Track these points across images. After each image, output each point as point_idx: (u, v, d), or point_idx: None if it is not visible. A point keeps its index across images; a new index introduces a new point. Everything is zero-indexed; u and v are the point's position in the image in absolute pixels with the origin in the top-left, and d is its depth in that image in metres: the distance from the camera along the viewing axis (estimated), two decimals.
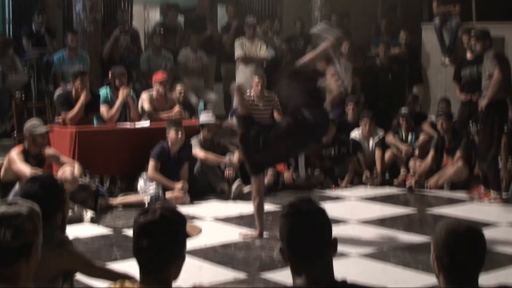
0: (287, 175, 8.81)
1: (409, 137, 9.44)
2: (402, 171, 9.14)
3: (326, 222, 2.53)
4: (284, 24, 13.48)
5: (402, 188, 8.86)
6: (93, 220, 7.04)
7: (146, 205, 7.32)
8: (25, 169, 6.84)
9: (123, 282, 2.63)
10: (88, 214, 7.06)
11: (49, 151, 7.28)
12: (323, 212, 2.54)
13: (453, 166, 8.79)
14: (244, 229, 6.81)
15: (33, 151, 7.00)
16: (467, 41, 9.63)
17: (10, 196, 6.81)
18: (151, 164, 7.92)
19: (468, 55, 9.59)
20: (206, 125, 8.44)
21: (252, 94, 9.77)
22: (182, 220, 2.66)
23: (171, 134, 7.99)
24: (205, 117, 8.61)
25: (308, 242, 2.46)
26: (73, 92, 8.28)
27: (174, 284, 2.64)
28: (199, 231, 2.79)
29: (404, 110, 9.65)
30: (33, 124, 7.12)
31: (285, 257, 2.51)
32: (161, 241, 2.57)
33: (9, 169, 7.02)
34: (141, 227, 2.58)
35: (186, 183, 8.01)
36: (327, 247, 2.50)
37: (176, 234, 2.62)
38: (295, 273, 2.49)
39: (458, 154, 8.80)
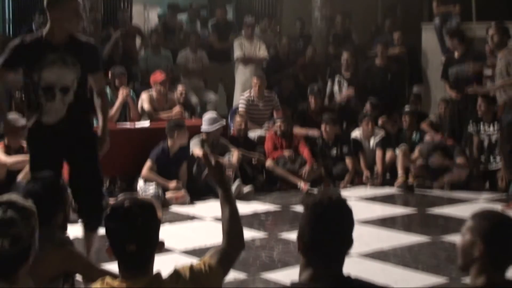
0: (289, 153, 8.84)
1: (413, 136, 9.42)
2: (400, 173, 9.03)
3: (350, 223, 2.53)
4: (284, 24, 13.50)
5: (402, 188, 8.82)
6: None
7: None
8: (6, 159, 6.85)
9: (104, 278, 2.63)
10: None
11: None
12: (349, 212, 2.54)
13: (452, 168, 8.78)
14: (244, 230, 6.80)
15: (14, 146, 7.00)
16: (450, 40, 9.69)
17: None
18: (147, 164, 7.92)
19: (456, 54, 9.59)
20: (209, 132, 8.43)
21: (252, 94, 9.79)
22: (154, 209, 2.66)
23: (180, 134, 7.95)
24: (208, 125, 8.50)
25: (327, 240, 2.46)
26: None
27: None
28: (161, 211, 2.80)
29: (407, 108, 9.66)
30: (12, 118, 7.10)
31: (300, 247, 2.51)
32: (147, 240, 2.59)
33: None
34: (123, 233, 2.56)
35: (181, 182, 8.00)
36: (344, 247, 2.51)
37: (155, 225, 2.63)
38: (304, 265, 2.50)
39: (457, 154, 8.81)
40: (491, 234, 2.60)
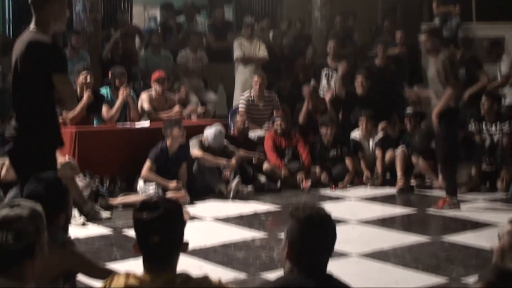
0: (284, 171, 8.81)
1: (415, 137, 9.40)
2: (399, 175, 8.99)
3: (335, 236, 2.74)
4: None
5: (403, 192, 8.77)
6: (83, 224, 6.96)
7: None
8: None
9: (128, 273, 2.65)
10: (81, 219, 6.98)
11: None
12: (334, 226, 2.75)
13: None
14: (244, 230, 6.82)
15: None
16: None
17: (7, 198, 6.80)
18: (147, 164, 7.91)
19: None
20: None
21: (252, 94, 9.79)
22: (180, 208, 2.76)
23: (175, 131, 7.95)
24: (211, 139, 8.43)
25: (315, 250, 2.69)
26: (78, 90, 8.26)
27: None
28: (188, 214, 2.87)
29: (409, 110, 9.64)
30: None
31: (288, 254, 2.70)
32: (171, 234, 2.66)
33: (10, 168, 7.00)
34: (149, 223, 2.63)
35: (181, 182, 8.00)
36: (328, 255, 2.73)
37: (180, 223, 2.71)
38: (290, 269, 2.70)
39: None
40: None
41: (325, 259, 2.71)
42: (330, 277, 2.70)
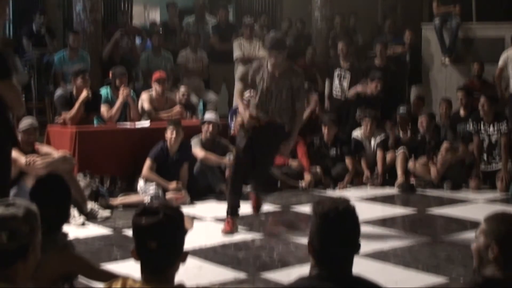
0: (295, 164, 8.82)
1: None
2: (400, 173, 9.03)
3: (355, 231, 2.68)
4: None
5: (402, 188, 8.80)
6: (83, 224, 6.96)
7: None
8: (20, 157, 6.86)
9: (126, 280, 2.63)
10: (81, 219, 6.99)
11: (43, 148, 7.27)
12: (355, 220, 2.68)
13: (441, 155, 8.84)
14: (244, 230, 6.82)
15: (27, 149, 7.01)
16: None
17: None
18: (147, 163, 7.92)
19: (461, 112, 9.67)
20: (210, 122, 8.44)
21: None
22: (182, 215, 2.70)
23: (168, 133, 7.99)
24: (210, 114, 8.62)
25: (334, 246, 2.63)
26: (74, 91, 8.27)
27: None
28: (192, 223, 2.83)
29: (402, 109, 9.63)
30: (23, 122, 7.14)
31: (310, 250, 2.66)
32: (169, 241, 2.61)
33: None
34: (146, 229, 2.59)
35: (181, 183, 7.99)
36: (351, 251, 2.67)
37: (180, 231, 2.66)
38: (313, 265, 2.66)
39: (444, 144, 8.84)
40: (505, 236, 2.66)
41: (345, 255, 2.65)
42: (357, 279, 2.64)
